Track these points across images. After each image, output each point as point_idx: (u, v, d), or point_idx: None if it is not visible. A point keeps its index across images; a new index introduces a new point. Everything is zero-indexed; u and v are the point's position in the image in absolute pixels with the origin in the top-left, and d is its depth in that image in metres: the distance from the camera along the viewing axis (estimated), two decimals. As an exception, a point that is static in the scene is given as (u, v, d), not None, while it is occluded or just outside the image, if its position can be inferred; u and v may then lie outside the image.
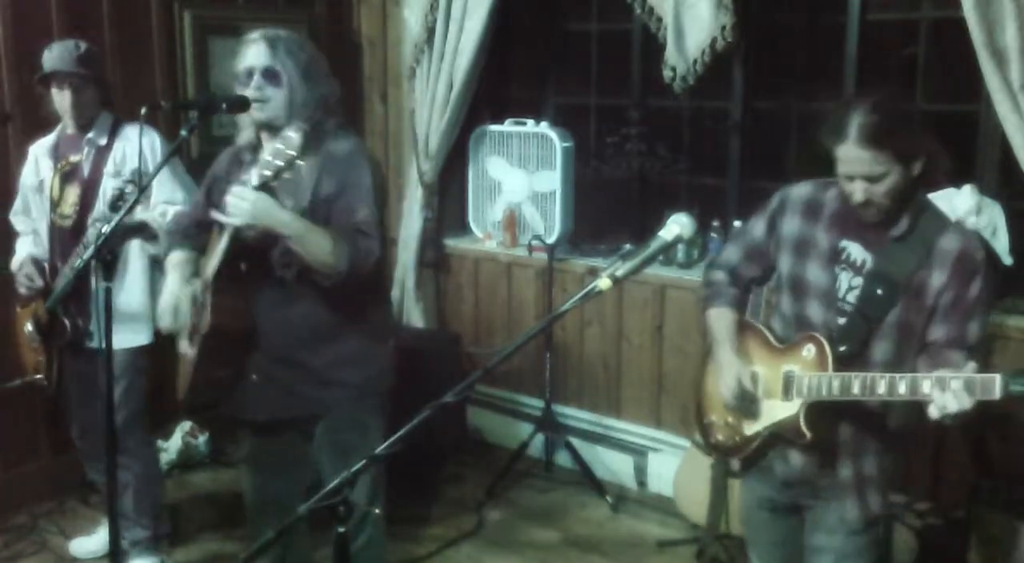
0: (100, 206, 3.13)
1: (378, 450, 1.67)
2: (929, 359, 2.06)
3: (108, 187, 3.13)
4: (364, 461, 1.64)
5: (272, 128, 2.52)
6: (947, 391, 1.86)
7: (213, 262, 2.48)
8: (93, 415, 3.25)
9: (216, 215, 2.40)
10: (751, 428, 2.25)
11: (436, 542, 3.71)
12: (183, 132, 2.48)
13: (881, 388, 1.97)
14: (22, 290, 3.28)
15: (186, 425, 4.32)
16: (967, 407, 1.84)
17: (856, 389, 2.01)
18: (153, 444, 3.55)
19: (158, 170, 2.69)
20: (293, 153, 2.27)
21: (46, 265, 3.26)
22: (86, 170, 3.18)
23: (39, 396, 3.58)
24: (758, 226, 2.33)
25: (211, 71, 4.27)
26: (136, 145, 3.07)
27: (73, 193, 3.20)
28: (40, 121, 3.69)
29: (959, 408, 1.85)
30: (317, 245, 2.37)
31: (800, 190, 2.27)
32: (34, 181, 3.30)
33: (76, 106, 3.15)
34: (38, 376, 3.36)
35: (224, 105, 2.47)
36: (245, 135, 2.60)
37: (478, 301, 4.66)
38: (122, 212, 2.53)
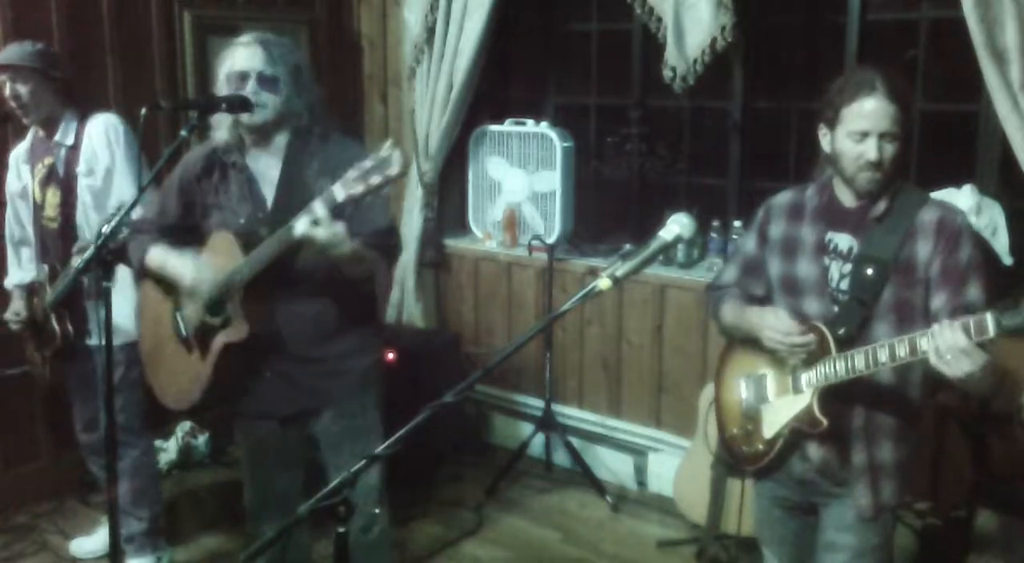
0: (80, 207, 3.19)
1: (378, 450, 1.66)
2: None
3: (84, 187, 3.18)
4: (364, 461, 1.64)
5: (261, 132, 2.52)
6: (941, 333, 1.85)
7: (235, 267, 2.45)
8: (95, 411, 3.29)
9: (301, 223, 2.27)
10: (771, 430, 2.26)
11: (436, 542, 3.71)
12: (183, 132, 2.47)
13: (883, 356, 1.99)
14: (13, 327, 3.38)
15: (186, 425, 4.32)
16: (963, 344, 1.82)
17: (860, 363, 2.03)
18: (149, 436, 3.55)
19: (156, 172, 2.65)
20: (373, 186, 2.20)
21: (39, 282, 3.33)
22: (60, 172, 3.21)
23: (38, 391, 3.59)
24: (749, 241, 2.40)
25: (211, 71, 4.25)
26: (99, 140, 3.15)
27: (54, 196, 3.23)
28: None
29: (953, 344, 1.82)
30: (368, 263, 2.42)
31: (781, 197, 2.35)
32: (17, 187, 3.36)
33: (28, 99, 3.13)
34: (21, 370, 3.46)
35: (224, 105, 2.46)
36: (221, 135, 2.54)
37: (478, 301, 4.66)
38: (123, 212, 2.51)
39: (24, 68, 3.11)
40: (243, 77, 2.48)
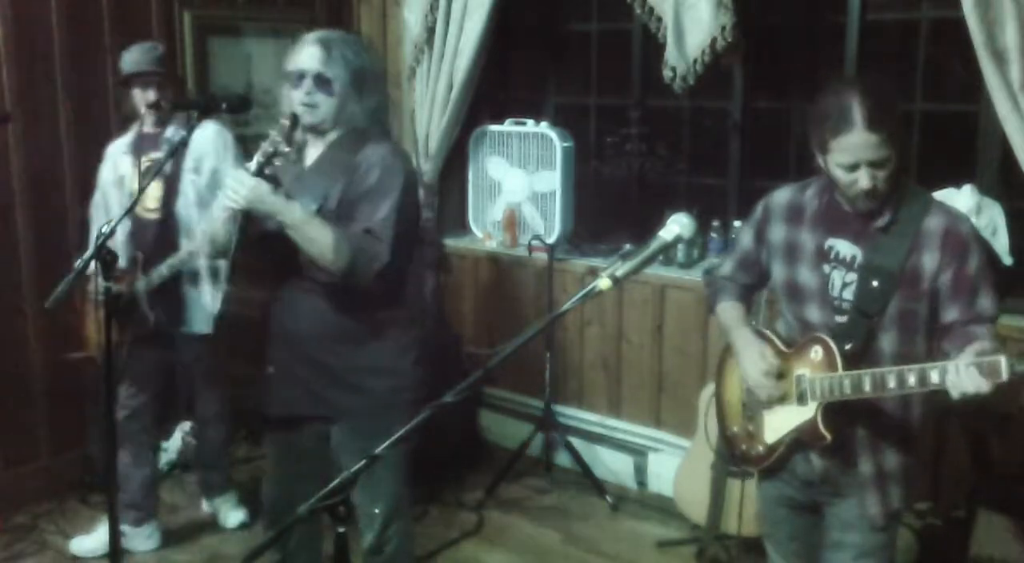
0: (183, 201, 3.38)
1: (377, 450, 1.66)
2: (953, 340, 2.05)
3: (188, 183, 3.38)
4: (364, 461, 1.64)
5: (318, 132, 2.50)
6: (960, 373, 1.86)
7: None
8: (153, 398, 3.57)
9: (224, 200, 2.36)
10: (772, 436, 2.25)
11: (436, 542, 3.71)
12: (183, 132, 2.48)
13: (891, 383, 1.97)
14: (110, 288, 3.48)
15: (186, 425, 4.31)
16: (984, 389, 1.83)
17: (867, 387, 2.02)
18: (226, 402, 3.79)
19: (162, 165, 2.68)
20: (279, 139, 2.29)
21: (124, 269, 3.40)
22: (167, 167, 3.32)
23: (88, 377, 3.69)
24: (746, 236, 2.38)
25: (211, 71, 4.27)
26: (208, 141, 3.35)
27: (156, 188, 3.37)
28: (40, 121, 3.73)
29: (976, 389, 1.84)
30: (317, 238, 2.34)
31: (780, 196, 2.30)
32: (113, 177, 3.50)
33: (158, 104, 3.36)
34: (83, 354, 3.52)
35: (224, 105, 2.47)
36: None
37: (478, 301, 4.65)
38: (122, 213, 2.53)
39: (155, 73, 3.32)
40: (300, 76, 2.45)
